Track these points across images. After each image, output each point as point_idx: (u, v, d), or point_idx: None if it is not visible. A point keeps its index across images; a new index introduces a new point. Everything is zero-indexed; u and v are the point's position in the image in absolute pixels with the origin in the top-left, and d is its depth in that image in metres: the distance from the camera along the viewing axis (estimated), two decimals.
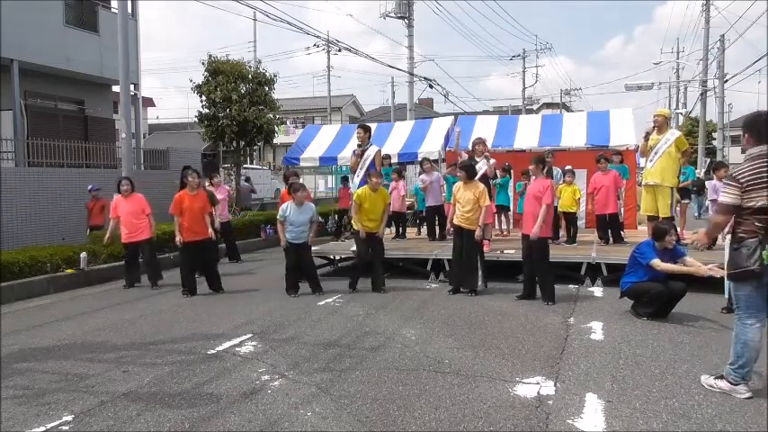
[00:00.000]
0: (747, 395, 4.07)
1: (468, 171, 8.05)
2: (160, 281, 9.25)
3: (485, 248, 9.22)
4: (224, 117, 16.99)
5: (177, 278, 8.52)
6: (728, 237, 4.46)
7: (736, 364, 4.14)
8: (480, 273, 8.00)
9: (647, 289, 6.38)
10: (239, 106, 16.87)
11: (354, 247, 9.57)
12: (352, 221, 8.33)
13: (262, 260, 12.27)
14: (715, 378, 4.27)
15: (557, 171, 10.42)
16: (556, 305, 7.17)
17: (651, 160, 8.53)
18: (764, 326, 4.10)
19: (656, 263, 6.24)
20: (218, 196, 11.24)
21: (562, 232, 10.46)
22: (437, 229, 10.87)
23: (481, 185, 8.24)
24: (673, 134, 8.56)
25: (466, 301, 7.58)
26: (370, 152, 9.14)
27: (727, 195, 4.05)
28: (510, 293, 7.80)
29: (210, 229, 8.67)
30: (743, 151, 4.31)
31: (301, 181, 9.61)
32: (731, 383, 4.14)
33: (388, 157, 11.61)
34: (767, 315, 4.11)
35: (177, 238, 8.36)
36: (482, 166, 9.17)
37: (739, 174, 4.01)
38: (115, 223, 9.20)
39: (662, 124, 8.63)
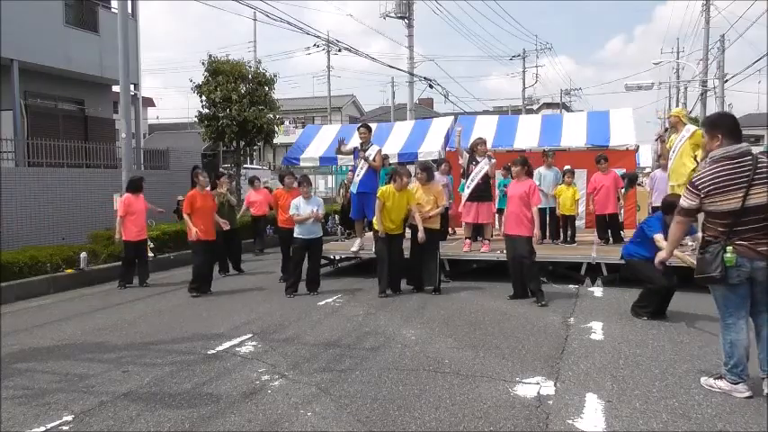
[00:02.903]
0: (747, 394, 4.06)
1: (429, 172, 8.21)
2: (148, 280, 9.39)
3: (484, 249, 9.26)
4: (224, 117, 16.99)
5: (176, 278, 8.53)
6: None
7: (729, 365, 4.13)
8: (438, 271, 8.10)
9: (648, 277, 6.34)
10: (239, 106, 16.87)
11: (355, 247, 9.59)
12: (374, 221, 8.12)
13: (262, 260, 12.27)
14: (714, 378, 4.27)
15: (556, 171, 10.43)
16: (556, 305, 7.17)
17: (671, 160, 8.45)
18: (747, 323, 4.07)
19: (659, 238, 6.16)
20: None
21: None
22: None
23: (439, 186, 8.39)
24: (688, 130, 8.29)
25: (465, 300, 7.58)
26: (371, 152, 9.14)
27: (684, 200, 4.07)
28: (511, 294, 7.78)
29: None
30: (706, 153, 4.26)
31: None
32: (730, 383, 4.14)
33: (386, 157, 11.61)
34: (747, 313, 4.08)
35: (194, 231, 8.25)
36: (483, 166, 9.18)
37: (699, 180, 3.98)
38: (122, 221, 9.19)
39: (675, 123, 8.56)
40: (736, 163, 3.87)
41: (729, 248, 3.87)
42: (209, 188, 8.86)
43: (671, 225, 4.39)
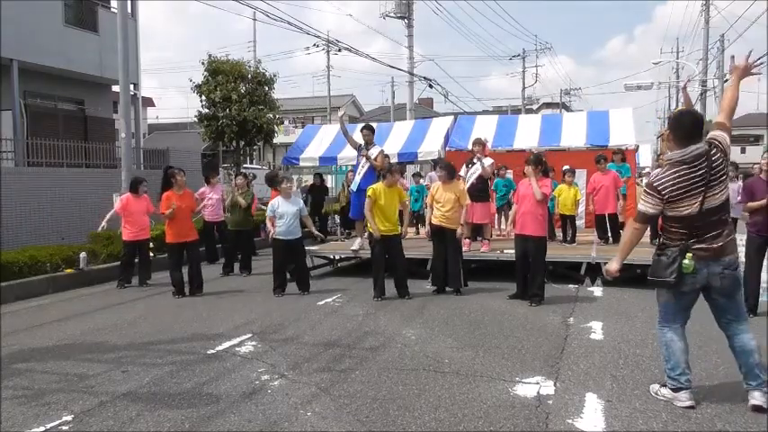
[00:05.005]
0: (688, 404, 3.90)
1: (449, 171, 8.06)
2: (149, 280, 9.38)
3: (484, 248, 9.27)
4: (224, 117, 17.01)
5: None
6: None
7: (666, 368, 4.03)
8: (461, 271, 8.05)
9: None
10: (239, 106, 16.89)
11: (355, 246, 9.59)
12: (367, 222, 8.03)
13: (261, 260, 12.26)
14: (660, 386, 4.14)
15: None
16: (555, 305, 7.17)
17: None
18: (682, 330, 3.99)
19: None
20: (214, 196, 11.24)
21: (559, 231, 10.52)
22: None
23: (461, 185, 8.26)
24: None
25: (465, 300, 7.58)
26: (374, 151, 9.14)
27: (647, 206, 3.88)
28: (510, 293, 7.78)
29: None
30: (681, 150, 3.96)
31: (290, 178, 9.50)
32: (671, 390, 4.00)
33: (387, 157, 11.62)
34: (684, 321, 4.00)
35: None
36: (477, 168, 9.21)
37: (660, 184, 3.82)
38: (116, 219, 9.13)
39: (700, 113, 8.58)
40: (694, 167, 3.74)
41: (689, 255, 3.75)
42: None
43: (626, 231, 4.08)
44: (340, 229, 15.28)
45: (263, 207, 11.29)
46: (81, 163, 14.03)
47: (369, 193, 7.85)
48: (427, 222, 8.41)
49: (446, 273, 7.98)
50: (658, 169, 5.47)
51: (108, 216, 9.32)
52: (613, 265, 4.19)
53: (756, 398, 3.81)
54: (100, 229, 9.67)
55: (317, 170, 16.86)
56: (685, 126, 3.85)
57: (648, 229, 10.09)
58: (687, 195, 3.75)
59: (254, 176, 12.60)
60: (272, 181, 9.14)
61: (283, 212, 8.05)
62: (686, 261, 3.76)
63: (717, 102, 30.53)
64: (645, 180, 11.01)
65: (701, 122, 3.92)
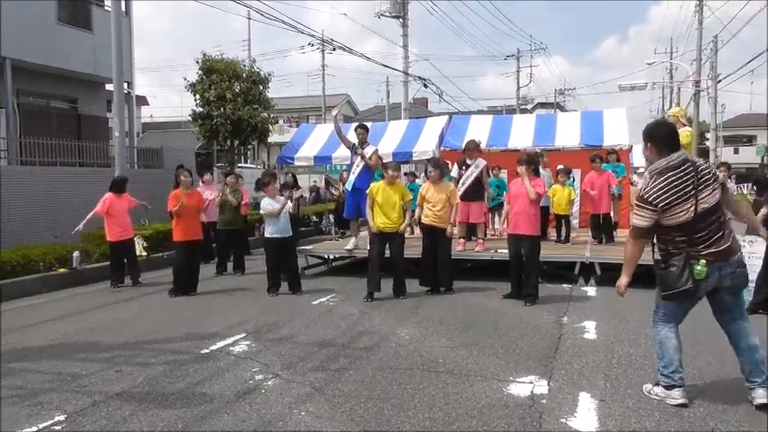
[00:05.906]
0: (681, 401, 3.90)
1: (441, 170, 8.07)
2: (140, 278, 9.36)
3: (478, 248, 9.28)
4: (218, 116, 16.95)
5: (169, 277, 8.49)
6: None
7: (660, 366, 4.04)
8: (452, 271, 8.06)
9: None
10: (233, 105, 16.84)
11: (349, 246, 9.58)
12: (368, 218, 7.94)
13: (255, 259, 12.24)
14: (653, 385, 4.15)
15: (549, 172, 10.46)
16: (549, 305, 7.19)
17: None
18: (676, 330, 4.02)
19: None
20: (210, 195, 11.20)
21: (551, 230, 10.55)
22: None
23: (451, 185, 8.30)
24: (680, 132, 8.44)
25: (459, 300, 7.59)
26: (368, 151, 9.15)
27: (641, 219, 3.86)
28: (504, 293, 7.79)
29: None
30: (649, 161, 3.97)
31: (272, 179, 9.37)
32: (664, 388, 4.02)
33: (381, 158, 11.62)
34: (679, 322, 4.04)
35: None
36: (473, 170, 9.22)
37: (651, 195, 3.79)
38: (94, 218, 9.11)
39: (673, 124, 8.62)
40: (681, 171, 3.76)
41: (702, 261, 3.73)
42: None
43: (627, 247, 4.11)
44: (334, 229, 15.29)
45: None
46: (74, 162, 13.97)
47: (367, 191, 7.92)
48: (408, 219, 8.41)
49: (436, 272, 7.99)
50: (642, 181, 5.53)
51: (87, 218, 9.19)
52: (623, 280, 4.14)
53: (762, 396, 3.81)
54: (74, 232, 9.55)
55: (314, 170, 16.83)
56: (662, 136, 3.90)
57: None
58: (680, 201, 3.75)
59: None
60: (258, 183, 9.16)
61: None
62: (699, 267, 3.73)
63: (710, 102, 30.71)
64: (640, 181, 11.05)
65: (676, 131, 4.00)
